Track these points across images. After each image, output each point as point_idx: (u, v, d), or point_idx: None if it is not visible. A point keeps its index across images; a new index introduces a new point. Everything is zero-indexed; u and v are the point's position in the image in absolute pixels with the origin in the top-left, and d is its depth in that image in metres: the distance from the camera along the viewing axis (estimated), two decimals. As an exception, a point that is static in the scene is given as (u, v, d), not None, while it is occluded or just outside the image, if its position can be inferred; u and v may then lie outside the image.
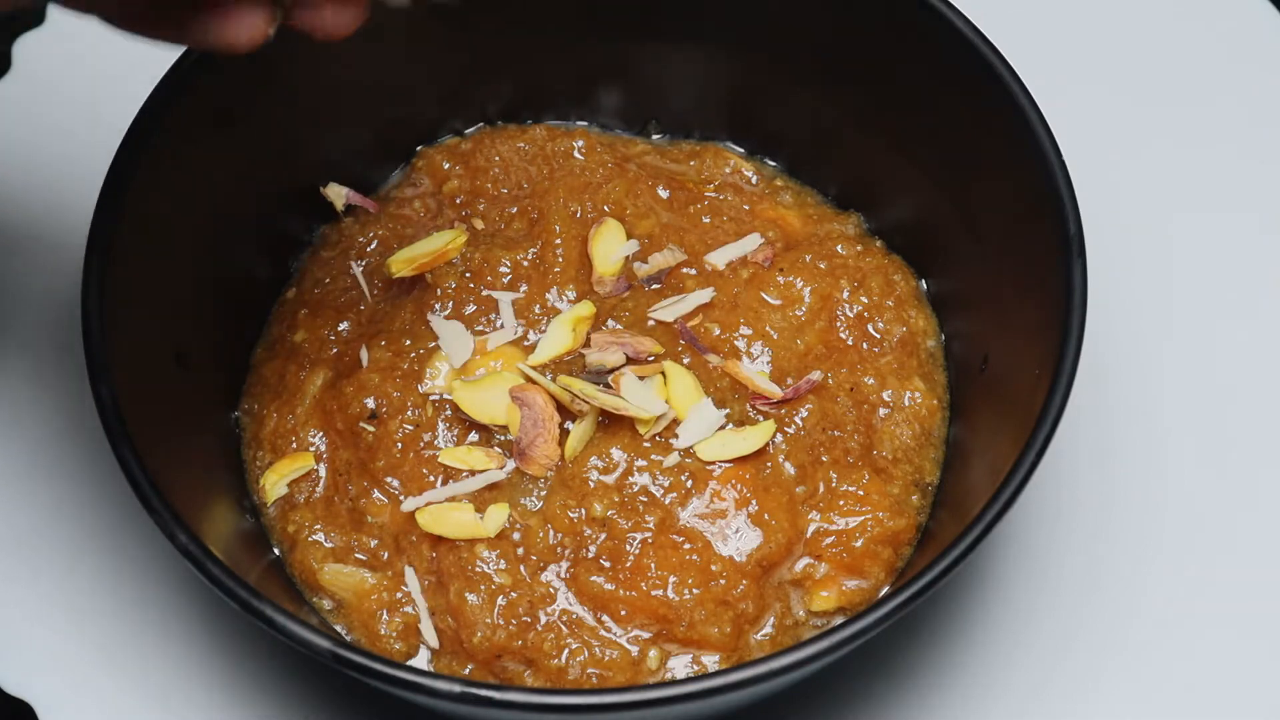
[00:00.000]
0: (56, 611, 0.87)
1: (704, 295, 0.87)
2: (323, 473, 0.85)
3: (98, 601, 0.87)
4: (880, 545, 0.83)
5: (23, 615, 0.87)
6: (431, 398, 0.84)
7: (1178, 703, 0.85)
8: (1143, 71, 0.99)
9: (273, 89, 0.85)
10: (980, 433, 0.83)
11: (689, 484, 0.82)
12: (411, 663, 0.82)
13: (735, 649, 0.81)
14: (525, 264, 0.88)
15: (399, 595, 0.82)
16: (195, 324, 0.85)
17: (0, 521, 0.89)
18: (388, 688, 0.71)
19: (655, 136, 0.95)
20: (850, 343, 0.87)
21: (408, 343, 0.86)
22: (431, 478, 0.83)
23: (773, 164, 0.94)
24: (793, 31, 0.87)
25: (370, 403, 0.84)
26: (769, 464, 0.83)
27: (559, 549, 0.81)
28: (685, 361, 0.85)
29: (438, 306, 0.87)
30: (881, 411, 0.85)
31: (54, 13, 0.98)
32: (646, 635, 0.81)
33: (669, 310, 0.86)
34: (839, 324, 0.87)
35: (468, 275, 0.87)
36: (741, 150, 0.95)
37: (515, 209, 0.90)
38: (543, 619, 0.80)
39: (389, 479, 0.83)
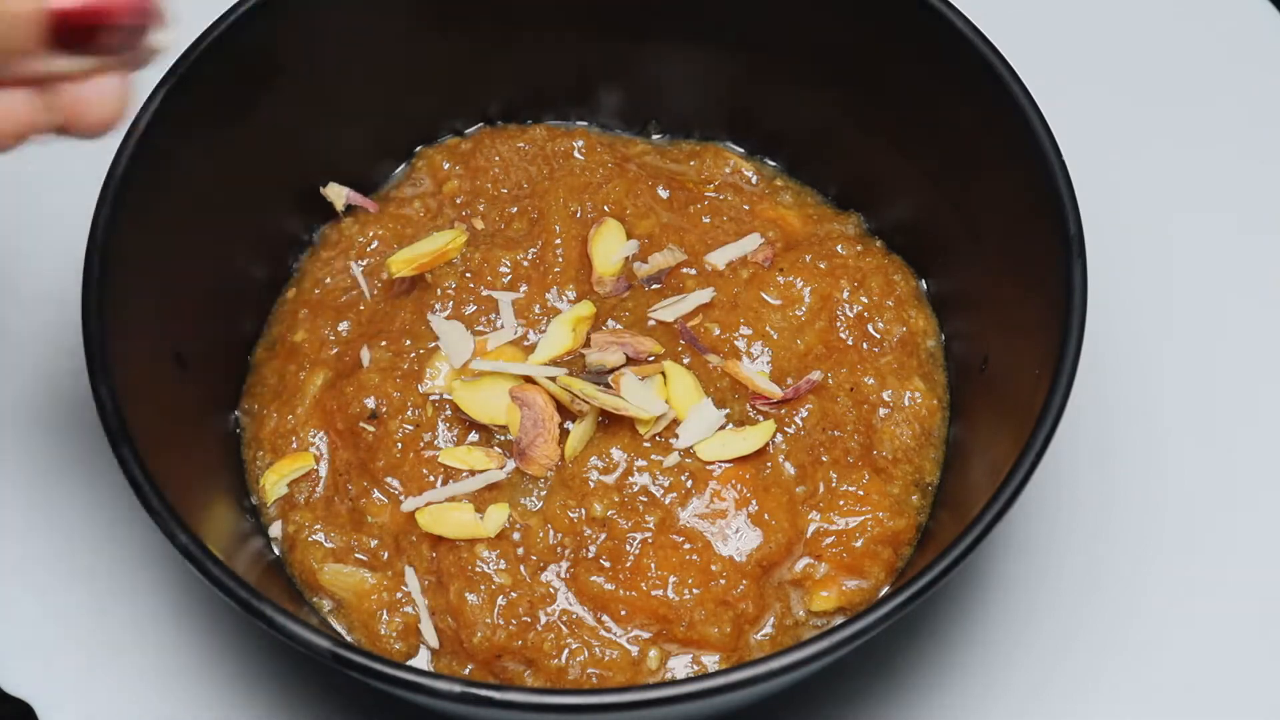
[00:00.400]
0: (56, 611, 0.87)
1: (704, 295, 0.87)
2: (323, 473, 0.85)
3: (98, 601, 0.87)
4: (880, 545, 0.83)
5: (22, 615, 0.86)
6: (431, 398, 0.84)
7: (1178, 703, 0.85)
8: (1143, 71, 0.99)
9: (273, 89, 0.85)
10: (980, 433, 0.83)
11: (689, 484, 0.82)
12: (411, 663, 0.82)
13: (735, 649, 0.81)
14: (525, 264, 0.88)
15: (399, 595, 0.82)
16: (195, 324, 0.85)
17: (0, 522, 0.88)
18: (388, 688, 0.71)
19: (655, 136, 0.95)
20: (850, 343, 0.87)
21: (408, 343, 0.86)
22: (431, 478, 0.83)
23: (773, 164, 0.94)
24: (793, 31, 0.87)
25: (370, 403, 0.84)
26: (769, 464, 0.83)
27: (559, 549, 0.81)
28: (685, 361, 0.85)
29: (438, 306, 0.86)
30: (881, 411, 0.85)
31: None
32: (646, 635, 0.81)
33: (669, 310, 0.86)
34: (839, 324, 0.87)
35: (468, 275, 0.87)
36: (741, 150, 0.95)
37: (515, 209, 0.90)
38: (543, 619, 0.80)
39: (389, 479, 0.83)
